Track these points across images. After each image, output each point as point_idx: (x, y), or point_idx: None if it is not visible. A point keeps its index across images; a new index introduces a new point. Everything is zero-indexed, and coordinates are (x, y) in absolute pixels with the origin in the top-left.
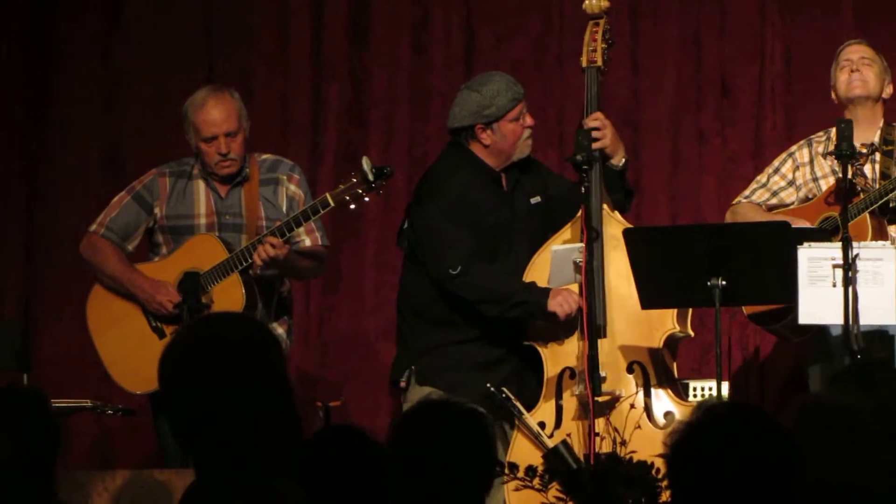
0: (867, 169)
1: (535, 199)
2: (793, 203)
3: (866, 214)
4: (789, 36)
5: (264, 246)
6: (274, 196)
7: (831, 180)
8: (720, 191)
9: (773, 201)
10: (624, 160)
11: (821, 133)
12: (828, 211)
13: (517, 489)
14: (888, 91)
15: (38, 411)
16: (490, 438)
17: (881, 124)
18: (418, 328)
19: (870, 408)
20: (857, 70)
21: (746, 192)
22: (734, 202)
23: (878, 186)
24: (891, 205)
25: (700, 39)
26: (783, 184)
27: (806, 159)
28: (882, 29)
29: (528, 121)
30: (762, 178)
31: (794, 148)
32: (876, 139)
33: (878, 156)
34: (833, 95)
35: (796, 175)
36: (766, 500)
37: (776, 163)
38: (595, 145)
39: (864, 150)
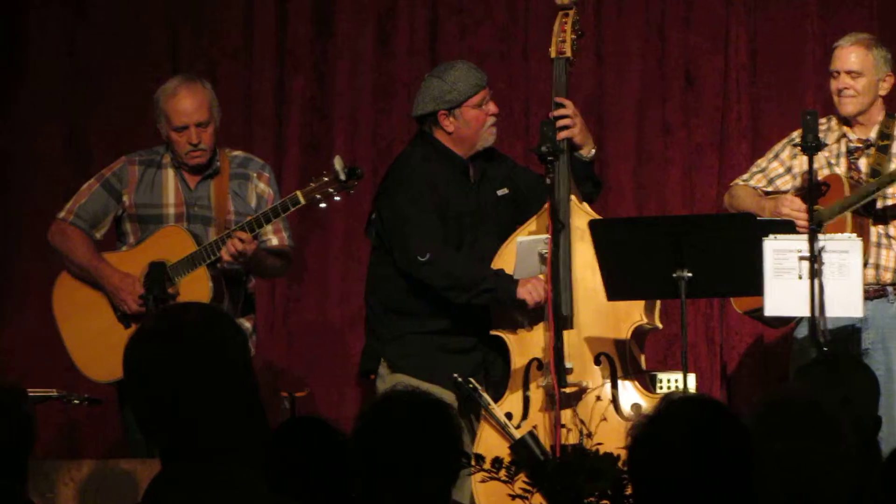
0: (862, 163)
1: (503, 191)
2: (789, 189)
3: (849, 213)
4: (754, 27)
5: (233, 240)
6: (243, 191)
7: (826, 172)
8: (685, 182)
9: (769, 188)
10: (593, 151)
11: (823, 120)
12: (822, 201)
13: (483, 481)
14: (885, 87)
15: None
16: (456, 430)
17: (881, 118)
18: (387, 318)
19: (836, 400)
20: (843, 90)
21: (746, 176)
22: (732, 183)
23: (865, 185)
24: (877, 205)
25: (664, 30)
26: (781, 170)
27: None
28: (846, 19)
29: (492, 108)
30: (762, 162)
31: (794, 133)
32: (873, 135)
33: (873, 151)
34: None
35: (793, 163)
36: (724, 492)
37: (777, 147)
38: (563, 134)
39: (860, 145)
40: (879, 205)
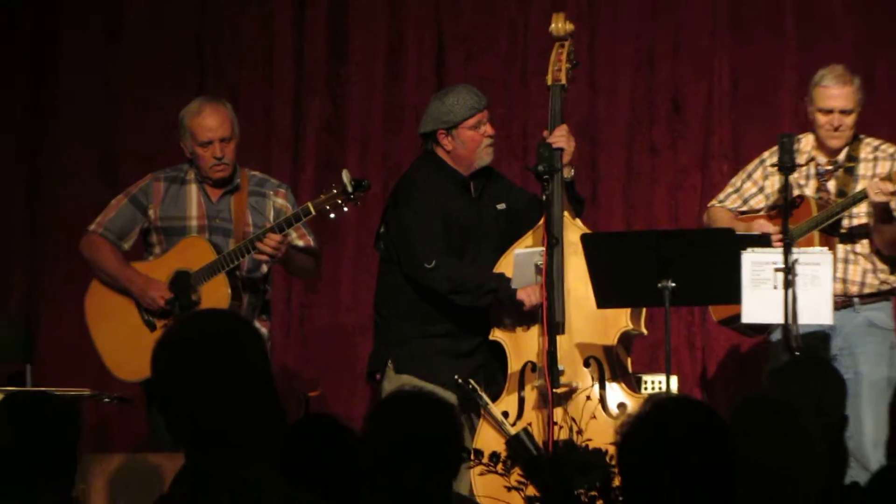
0: (831, 184)
1: (501, 206)
2: (762, 209)
3: (816, 231)
4: (736, 57)
5: (264, 241)
6: (261, 206)
7: (796, 192)
8: (670, 200)
9: (744, 208)
10: (572, 172)
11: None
12: (793, 219)
13: (482, 474)
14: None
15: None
16: (457, 427)
17: (849, 141)
18: (394, 323)
19: (807, 401)
20: (838, 127)
21: (721, 196)
22: (710, 204)
23: (833, 203)
24: (844, 224)
25: (654, 60)
26: (754, 190)
27: (775, 169)
28: (822, 52)
29: (488, 130)
30: (736, 181)
31: (766, 154)
32: (842, 157)
33: (840, 173)
34: (808, 107)
35: (766, 183)
36: (706, 487)
37: (749, 168)
38: (563, 154)
39: (829, 167)
40: (846, 224)
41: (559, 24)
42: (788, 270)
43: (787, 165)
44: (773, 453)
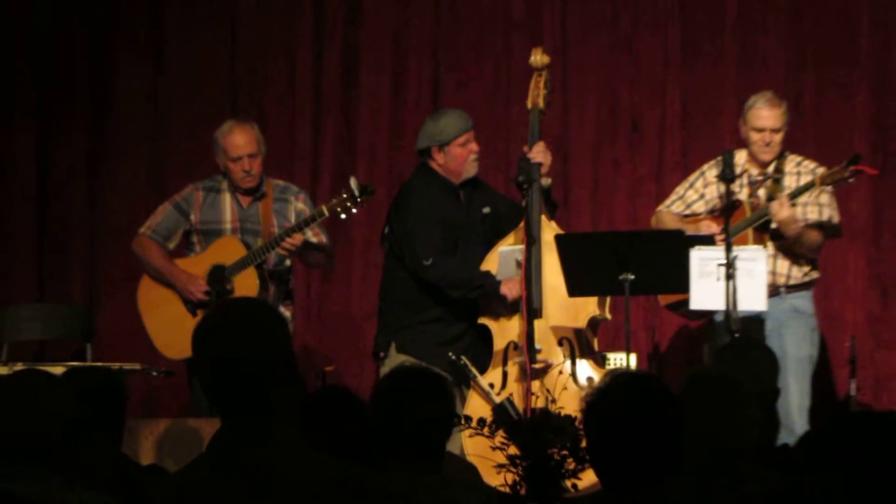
0: (761, 192)
1: (486, 210)
2: (702, 213)
3: (750, 229)
4: (685, 84)
5: (286, 239)
6: (283, 210)
7: (732, 198)
8: (629, 205)
9: (687, 212)
10: (549, 181)
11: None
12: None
13: (471, 436)
14: (785, 129)
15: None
16: (450, 397)
17: (776, 154)
18: (396, 311)
19: (745, 376)
20: (768, 143)
21: (668, 202)
22: (658, 209)
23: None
24: (772, 224)
25: (616, 87)
26: (695, 197)
27: (713, 178)
28: (757, 81)
29: (474, 147)
30: (680, 189)
31: (705, 167)
32: (770, 169)
33: (769, 182)
34: (741, 127)
35: (705, 191)
36: (657, 447)
37: (691, 178)
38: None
39: (760, 178)
40: (774, 224)
41: (537, 57)
42: (729, 265)
43: (728, 176)
44: (718, 419)
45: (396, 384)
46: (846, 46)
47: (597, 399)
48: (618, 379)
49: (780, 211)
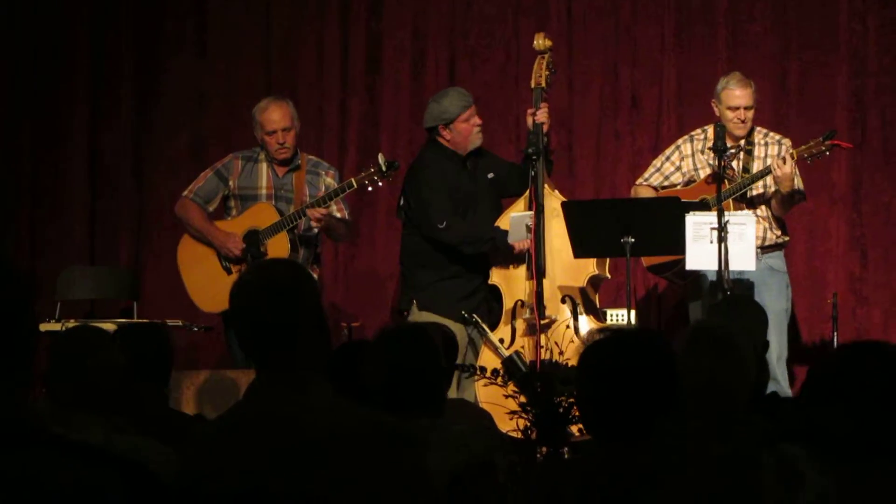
0: (735, 163)
1: (490, 175)
2: (680, 184)
3: (731, 199)
4: (681, 65)
5: (313, 210)
6: (315, 182)
7: (708, 170)
8: (630, 175)
9: (665, 183)
10: (547, 139)
11: (699, 131)
12: (705, 192)
13: (485, 385)
14: (755, 107)
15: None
16: (434, 349)
17: (749, 130)
18: (416, 272)
19: (738, 329)
20: (743, 120)
21: (646, 175)
22: (636, 184)
23: (740, 179)
24: (748, 195)
25: (617, 67)
26: (672, 169)
27: (689, 152)
28: (747, 61)
29: (477, 120)
30: (657, 162)
31: (680, 141)
32: (742, 142)
33: (742, 154)
34: (714, 106)
35: (682, 163)
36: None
37: (667, 151)
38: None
39: (733, 150)
40: (749, 194)
41: (540, 41)
42: (722, 229)
43: (720, 149)
44: (717, 369)
45: (383, 342)
46: (827, 31)
47: (589, 351)
48: (610, 333)
49: (784, 167)
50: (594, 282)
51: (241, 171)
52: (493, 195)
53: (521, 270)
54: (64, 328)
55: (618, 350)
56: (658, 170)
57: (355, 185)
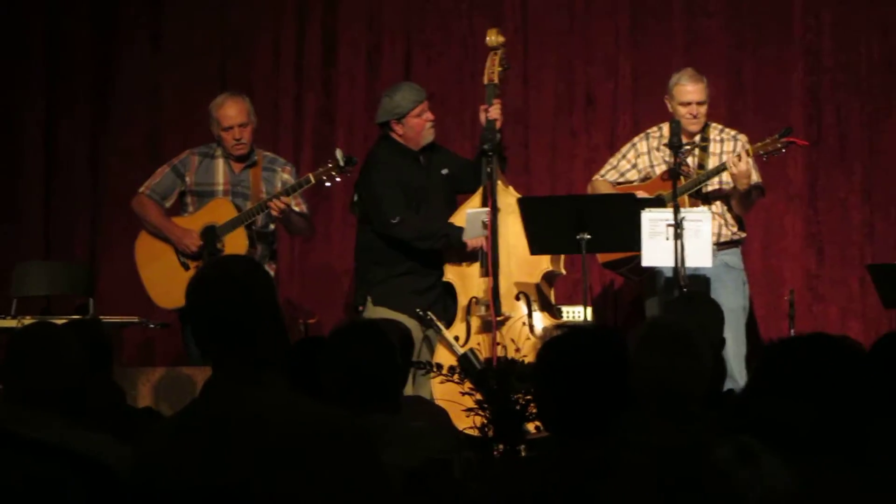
0: (690, 160)
1: (445, 171)
2: (636, 181)
3: (686, 195)
4: (636, 60)
5: (277, 202)
6: (272, 179)
7: (664, 167)
8: (586, 171)
9: (621, 180)
10: (499, 136)
11: (654, 128)
12: (660, 188)
13: (441, 382)
14: (707, 102)
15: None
16: (389, 346)
17: (703, 125)
18: (370, 268)
19: (693, 326)
20: (695, 115)
21: (602, 171)
22: (594, 178)
23: (696, 175)
24: (703, 191)
25: (572, 63)
26: (628, 167)
27: (644, 149)
28: (703, 56)
29: (429, 116)
30: (613, 160)
31: (636, 139)
32: (697, 139)
33: (697, 151)
34: (667, 103)
35: (638, 161)
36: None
37: (623, 149)
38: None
39: (688, 147)
40: (704, 190)
41: (492, 37)
42: (678, 226)
43: (675, 145)
44: (673, 366)
45: (338, 339)
46: (782, 27)
47: (547, 347)
48: (569, 329)
49: (740, 164)
50: (549, 278)
51: (198, 167)
52: (447, 191)
53: (475, 268)
54: (20, 325)
55: (574, 346)
56: (614, 167)
57: (313, 181)
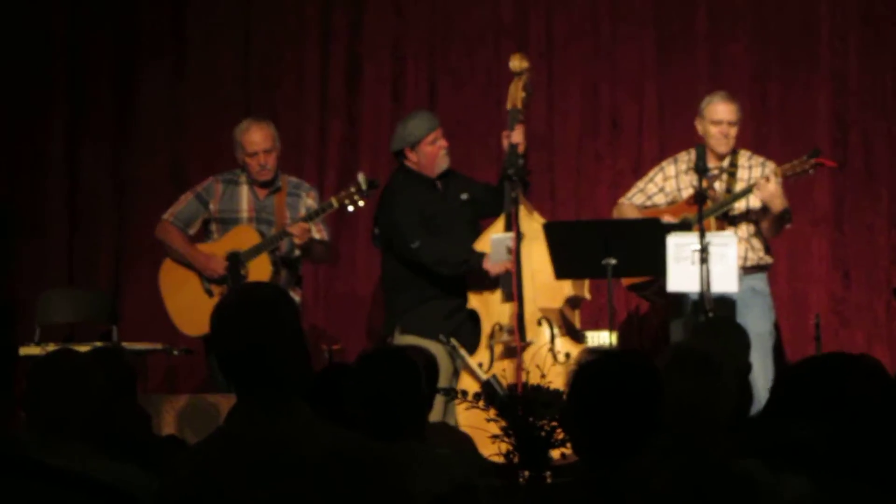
0: (717, 185)
1: (464, 196)
2: (662, 204)
3: (712, 217)
4: (661, 84)
5: (295, 226)
6: (295, 204)
7: (691, 191)
8: (611, 196)
9: (648, 203)
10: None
11: (684, 153)
12: (686, 212)
13: (467, 409)
14: (739, 125)
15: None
16: (418, 374)
17: (731, 148)
18: (396, 297)
19: (720, 352)
20: (726, 134)
21: (629, 195)
22: (619, 201)
23: (722, 199)
24: (729, 213)
25: (597, 87)
26: (655, 190)
27: (672, 173)
28: (728, 80)
29: (443, 143)
30: (641, 183)
31: (664, 163)
32: (725, 164)
33: (725, 176)
34: (698, 125)
35: (665, 185)
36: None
37: (651, 173)
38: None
39: (716, 172)
40: (731, 213)
41: (516, 62)
42: (703, 250)
43: (701, 168)
44: (699, 392)
45: (364, 366)
46: (808, 50)
47: (583, 372)
48: (604, 354)
49: (768, 185)
50: (572, 303)
51: (223, 195)
52: (468, 216)
53: (497, 294)
54: (44, 352)
55: (610, 371)
56: (641, 190)
57: (336, 205)
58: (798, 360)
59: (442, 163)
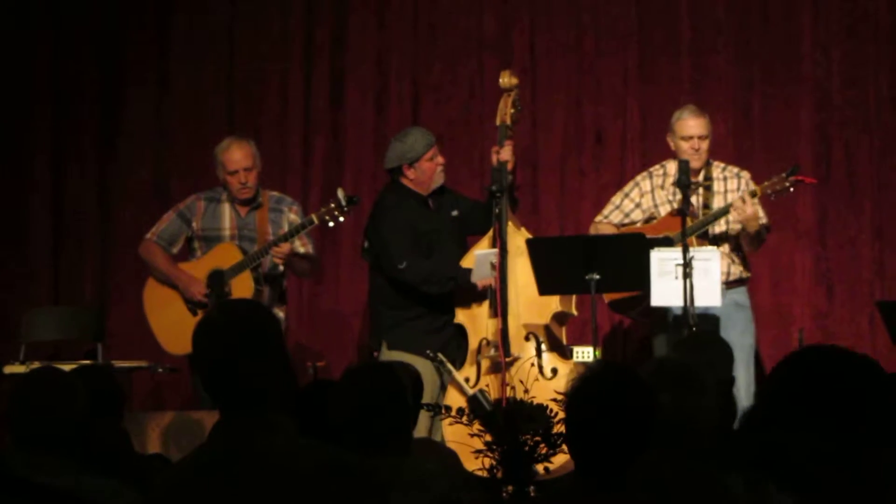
0: (694, 199)
1: (454, 213)
2: (639, 221)
3: (693, 235)
4: (644, 100)
5: (279, 248)
6: (278, 220)
7: (668, 207)
8: (595, 211)
9: (626, 221)
10: (512, 177)
11: (657, 167)
12: (666, 229)
13: (451, 424)
14: (710, 137)
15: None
16: (403, 389)
17: (704, 162)
18: (383, 312)
19: (703, 366)
20: (697, 149)
21: (605, 212)
22: (595, 220)
23: (701, 215)
24: (709, 232)
25: (581, 102)
26: (632, 206)
27: (648, 188)
28: (711, 94)
29: (440, 159)
30: (616, 199)
31: (639, 178)
32: (700, 178)
33: (701, 190)
34: (669, 141)
35: (642, 200)
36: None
37: (626, 188)
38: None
39: (693, 185)
40: (711, 231)
41: (505, 79)
42: (687, 265)
43: (684, 183)
44: (680, 403)
45: (349, 381)
46: (790, 64)
47: (579, 387)
48: (596, 369)
49: (746, 207)
50: (559, 319)
51: (204, 212)
52: (457, 233)
53: (485, 308)
54: (28, 370)
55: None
56: (618, 207)
57: (316, 221)
58: (788, 354)
59: (438, 179)
